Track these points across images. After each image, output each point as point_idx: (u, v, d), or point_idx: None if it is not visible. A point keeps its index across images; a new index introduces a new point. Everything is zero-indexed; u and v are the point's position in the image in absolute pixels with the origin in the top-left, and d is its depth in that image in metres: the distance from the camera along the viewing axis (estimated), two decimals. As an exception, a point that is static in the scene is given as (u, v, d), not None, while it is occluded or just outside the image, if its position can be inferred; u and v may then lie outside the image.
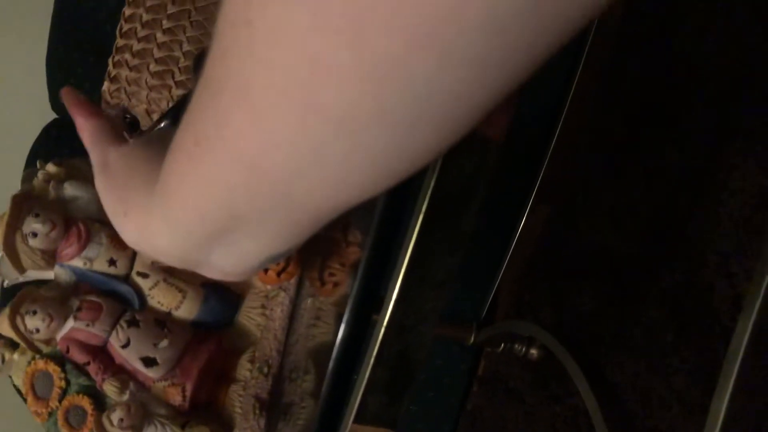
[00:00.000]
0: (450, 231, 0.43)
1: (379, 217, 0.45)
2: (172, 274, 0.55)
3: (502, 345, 0.98)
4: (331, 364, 0.47)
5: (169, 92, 1.39)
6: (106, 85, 1.44)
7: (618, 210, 0.99)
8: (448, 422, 1.19)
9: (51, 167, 0.56)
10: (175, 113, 0.90)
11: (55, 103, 1.59)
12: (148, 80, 1.40)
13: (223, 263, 0.27)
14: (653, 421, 0.83)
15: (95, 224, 0.55)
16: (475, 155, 0.44)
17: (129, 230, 0.29)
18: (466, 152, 0.40)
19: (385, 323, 0.43)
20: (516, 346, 0.98)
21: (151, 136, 0.37)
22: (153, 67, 1.39)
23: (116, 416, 0.52)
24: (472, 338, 0.95)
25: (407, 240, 0.41)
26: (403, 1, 0.14)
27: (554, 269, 1.09)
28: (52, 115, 1.58)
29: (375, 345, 0.43)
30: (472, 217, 0.43)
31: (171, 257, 0.27)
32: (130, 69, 1.41)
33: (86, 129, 0.36)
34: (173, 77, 1.39)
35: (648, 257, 0.91)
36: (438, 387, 1.18)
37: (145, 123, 0.93)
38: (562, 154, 1.07)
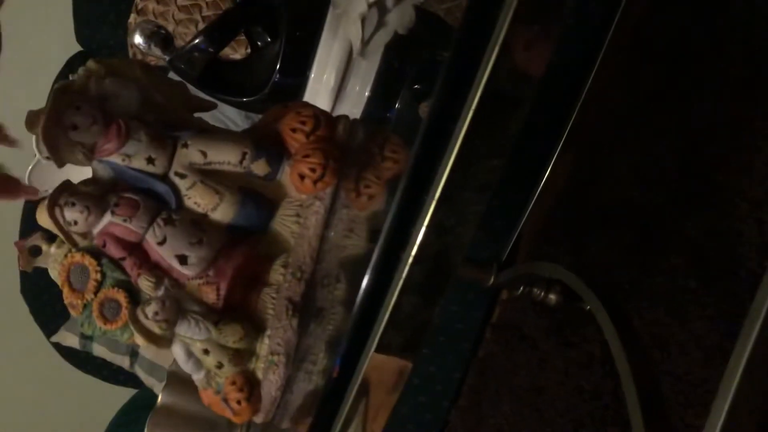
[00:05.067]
0: (497, 132, 0.43)
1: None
2: (210, 176, 0.56)
3: (521, 288, 0.98)
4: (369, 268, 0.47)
5: (196, 27, 1.38)
6: (132, 18, 1.43)
7: (646, 159, 0.98)
8: (459, 368, 1.20)
9: (91, 63, 0.56)
10: (210, 33, 0.89)
11: (80, 36, 1.58)
12: (175, 14, 1.39)
13: None
14: (670, 366, 0.84)
15: (134, 121, 0.55)
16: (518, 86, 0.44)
17: None
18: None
19: (426, 222, 0.43)
20: (535, 290, 0.98)
21: None
22: (180, 1, 1.38)
23: (151, 310, 0.53)
24: (492, 279, 0.95)
25: (454, 138, 0.41)
26: None
27: (576, 218, 1.09)
28: (76, 47, 1.58)
29: (414, 244, 0.43)
30: (520, 122, 0.42)
31: None
32: (158, 2, 1.40)
33: None
34: (200, 12, 1.37)
35: (674, 205, 0.91)
36: (451, 332, 1.18)
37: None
38: (593, 103, 1.06)
